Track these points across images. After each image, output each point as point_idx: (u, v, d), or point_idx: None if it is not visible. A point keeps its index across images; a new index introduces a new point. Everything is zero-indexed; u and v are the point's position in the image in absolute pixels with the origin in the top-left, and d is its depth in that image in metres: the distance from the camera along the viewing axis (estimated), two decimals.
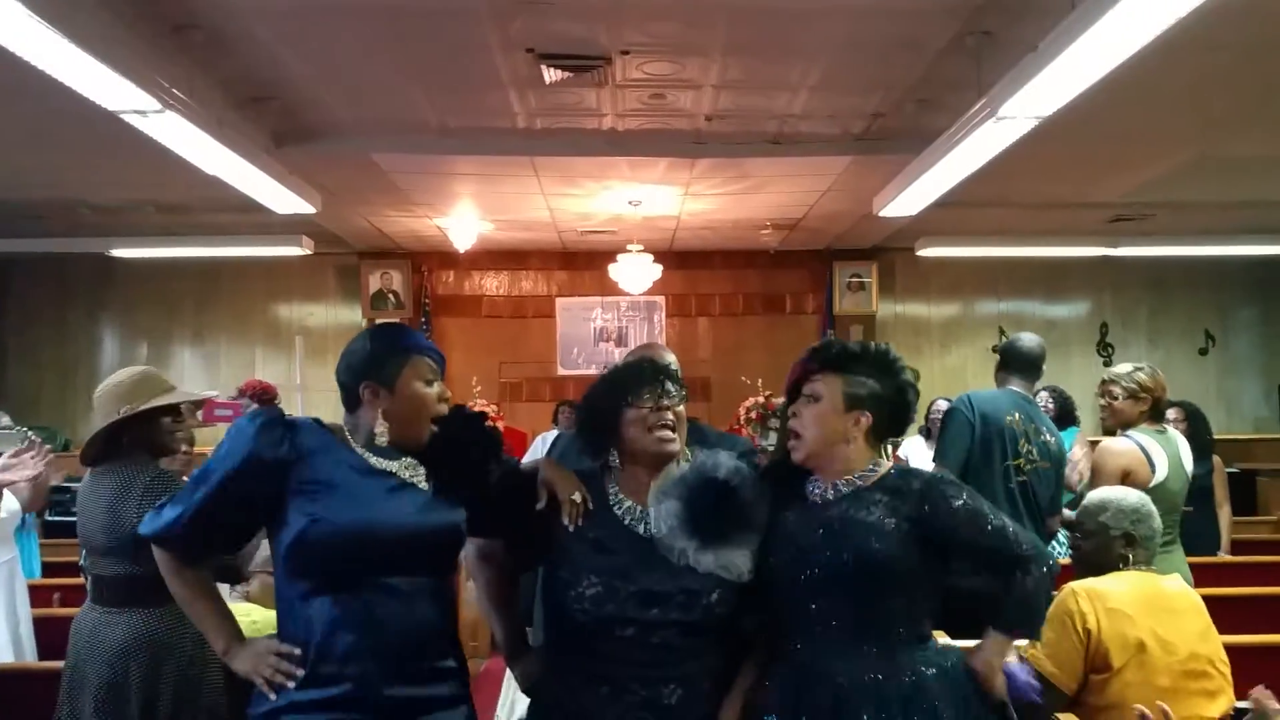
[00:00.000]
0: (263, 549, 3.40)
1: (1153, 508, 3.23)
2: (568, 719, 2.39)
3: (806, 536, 2.39)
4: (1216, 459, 6.36)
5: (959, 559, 2.41)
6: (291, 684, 2.19)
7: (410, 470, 2.36)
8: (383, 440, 2.33)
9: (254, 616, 3.56)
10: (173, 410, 3.34)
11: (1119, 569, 3.13)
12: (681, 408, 2.49)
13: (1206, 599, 3.24)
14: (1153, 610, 3.02)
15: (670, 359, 2.99)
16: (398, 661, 2.22)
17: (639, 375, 2.50)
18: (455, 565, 2.50)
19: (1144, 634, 2.95)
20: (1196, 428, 6.19)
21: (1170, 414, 7.48)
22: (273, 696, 2.21)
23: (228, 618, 2.38)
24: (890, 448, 8.12)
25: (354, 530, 2.21)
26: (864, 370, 2.48)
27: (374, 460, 2.33)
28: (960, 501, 2.38)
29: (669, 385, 2.47)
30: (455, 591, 2.48)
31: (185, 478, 5.17)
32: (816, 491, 2.47)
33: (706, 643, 2.38)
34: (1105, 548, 3.16)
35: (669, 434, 2.44)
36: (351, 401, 2.39)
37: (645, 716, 2.30)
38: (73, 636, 3.19)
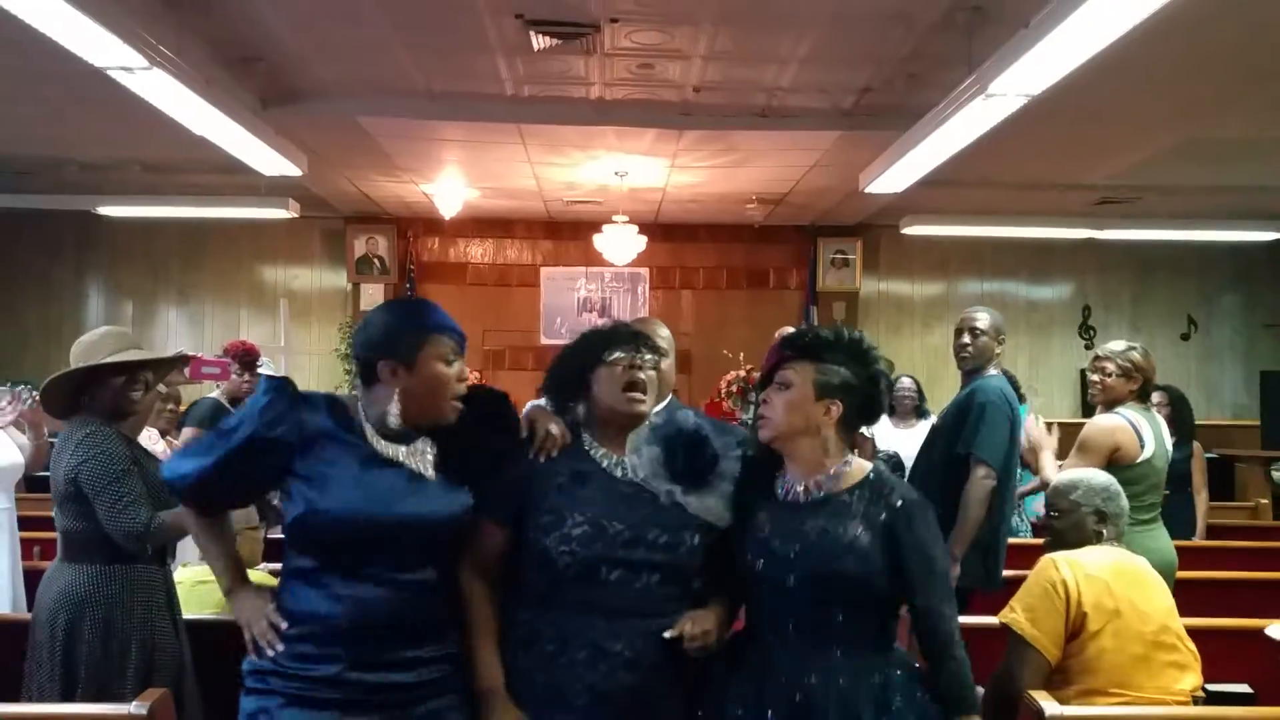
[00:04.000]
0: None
1: (1119, 487, 3.31)
2: (543, 693, 2.29)
3: (782, 545, 2.35)
4: (1196, 445, 6.42)
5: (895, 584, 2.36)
6: (270, 652, 2.20)
7: (418, 456, 2.32)
8: (395, 421, 2.28)
9: (204, 576, 3.58)
10: (126, 370, 3.25)
11: (1093, 544, 3.20)
12: (654, 372, 2.45)
13: (1183, 581, 3.29)
14: (1127, 581, 3.09)
15: (663, 332, 3.00)
16: (390, 649, 2.21)
17: (614, 335, 2.47)
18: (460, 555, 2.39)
19: (1120, 601, 3.01)
20: (1180, 412, 6.24)
21: (1154, 397, 7.56)
22: (253, 657, 2.23)
23: (234, 561, 2.40)
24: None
25: (352, 521, 2.19)
26: (837, 358, 2.43)
27: (381, 446, 2.29)
28: (925, 539, 2.34)
29: (643, 348, 2.44)
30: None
31: (170, 436, 5.24)
32: (790, 488, 2.43)
33: (684, 592, 2.38)
34: (1079, 525, 3.23)
35: (639, 394, 2.40)
36: (368, 376, 2.33)
37: (627, 678, 2.27)
38: (38, 588, 3.22)
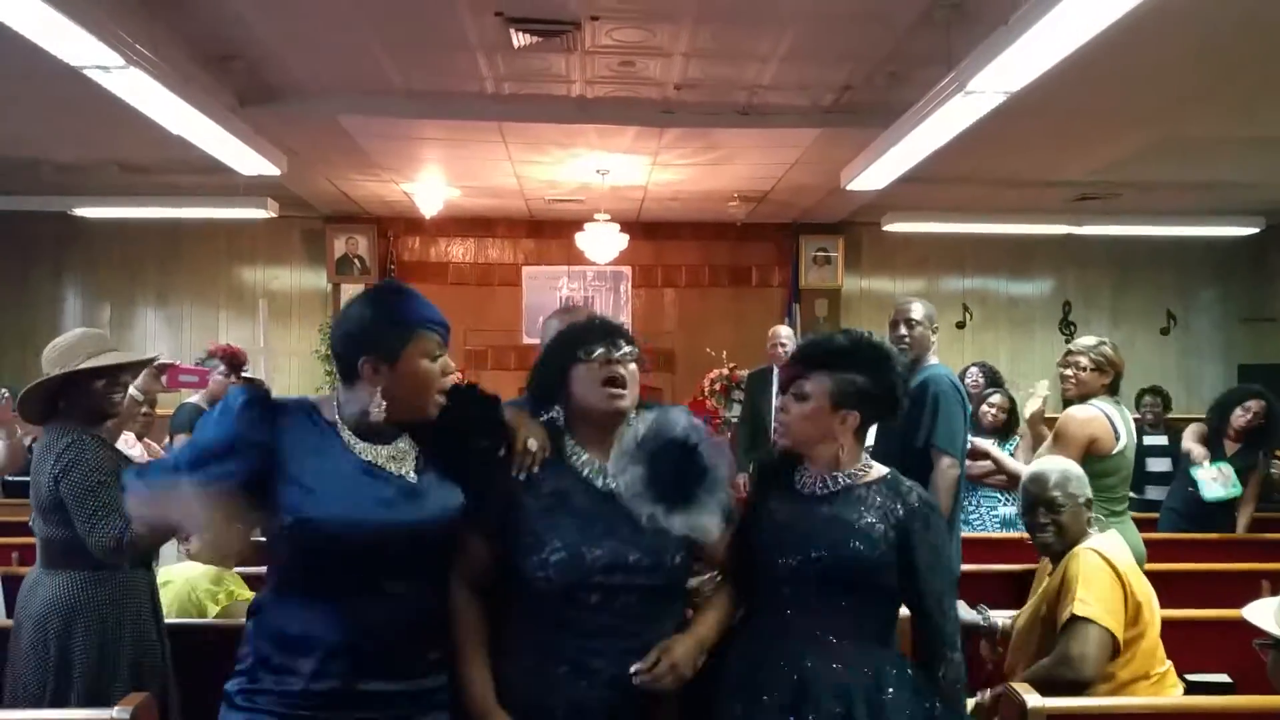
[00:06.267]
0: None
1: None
2: (524, 703, 2.25)
3: (794, 527, 2.38)
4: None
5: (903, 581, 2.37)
6: None
7: (399, 459, 2.24)
8: (378, 416, 2.19)
9: (168, 577, 3.55)
10: (106, 373, 3.21)
11: (1087, 534, 3.24)
12: (634, 367, 2.39)
13: (1158, 573, 3.35)
14: (1140, 572, 3.17)
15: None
16: (377, 662, 2.15)
17: (590, 331, 2.41)
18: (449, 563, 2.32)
19: (1146, 591, 3.10)
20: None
21: (1145, 399, 7.63)
22: (238, 680, 2.19)
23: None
24: None
25: (338, 530, 2.11)
26: (854, 367, 2.42)
27: (360, 449, 2.21)
28: (938, 541, 2.39)
29: (621, 341, 2.38)
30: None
31: (145, 440, 5.20)
32: (808, 482, 2.46)
33: (667, 609, 2.34)
34: (1078, 515, 3.29)
35: (619, 390, 2.34)
36: (348, 374, 2.23)
37: (607, 694, 2.22)
38: (18, 595, 3.19)
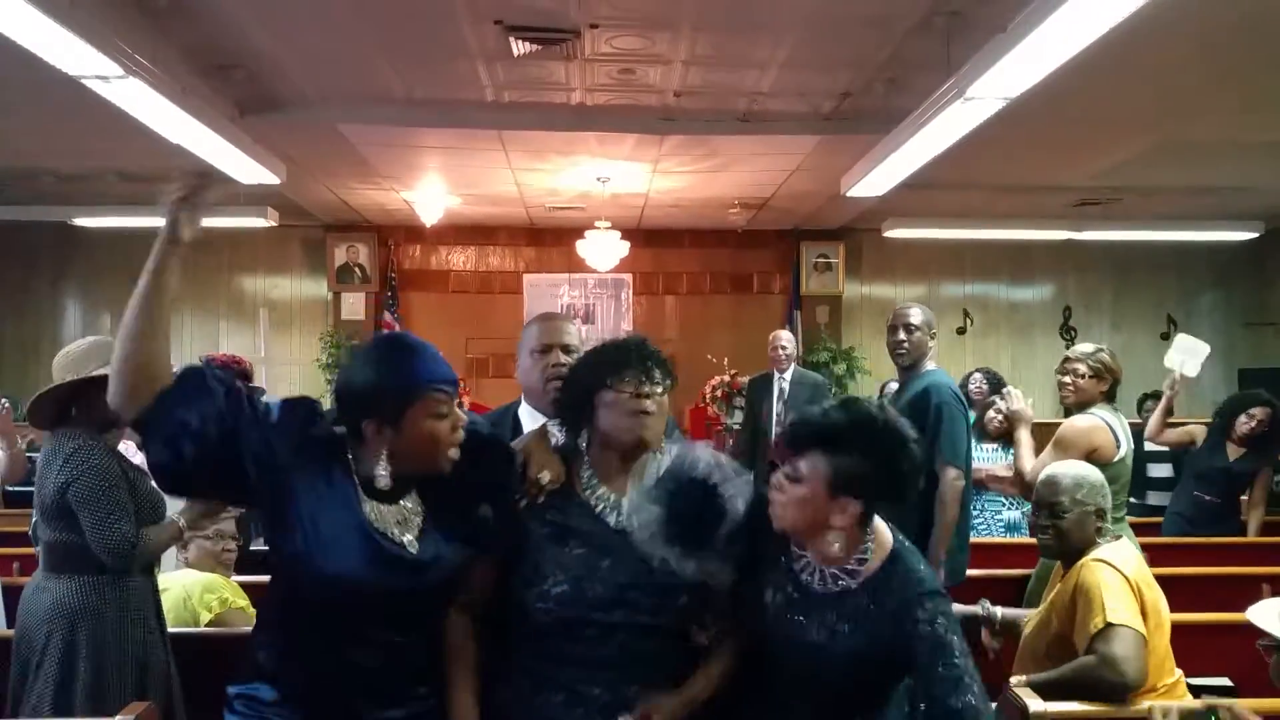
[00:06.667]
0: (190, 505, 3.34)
1: (1106, 481, 3.34)
2: None
3: (788, 631, 2.21)
4: None
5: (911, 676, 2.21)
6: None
7: (404, 523, 2.18)
8: (384, 484, 2.13)
9: (166, 585, 3.55)
10: None
11: (1095, 543, 3.21)
12: (665, 398, 2.29)
13: (1159, 578, 3.35)
14: (1148, 579, 3.14)
15: (570, 329, 2.89)
16: (372, 694, 2.14)
17: (623, 356, 2.28)
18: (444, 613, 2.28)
19: (1155, 598, 3.07)
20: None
21: (1148, 404, 7.58)
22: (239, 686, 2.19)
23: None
24: None
25: (333, 585, 2.08)
26: (856, 448, 2.13)
27: (369, 509, 2.15)
28: (933, 627, 2.12)
29: (655, 371, 2.26)
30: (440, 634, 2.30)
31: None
32: (803, 571, 2.25)
33: (668, 646, 2.26)
34: (1082, 523, 3.22)
35: (645, 421, 2.23)
36: (354, 433, 2.17)
37: None
38: (20, 602, 3.18)
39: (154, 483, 3.37)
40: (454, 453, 2.17)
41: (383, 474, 2.12)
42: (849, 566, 2.19)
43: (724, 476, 2.21)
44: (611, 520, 2.26)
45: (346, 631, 2.13)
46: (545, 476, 2.28)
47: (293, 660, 2.16)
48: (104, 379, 3.13)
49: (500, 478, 2.29)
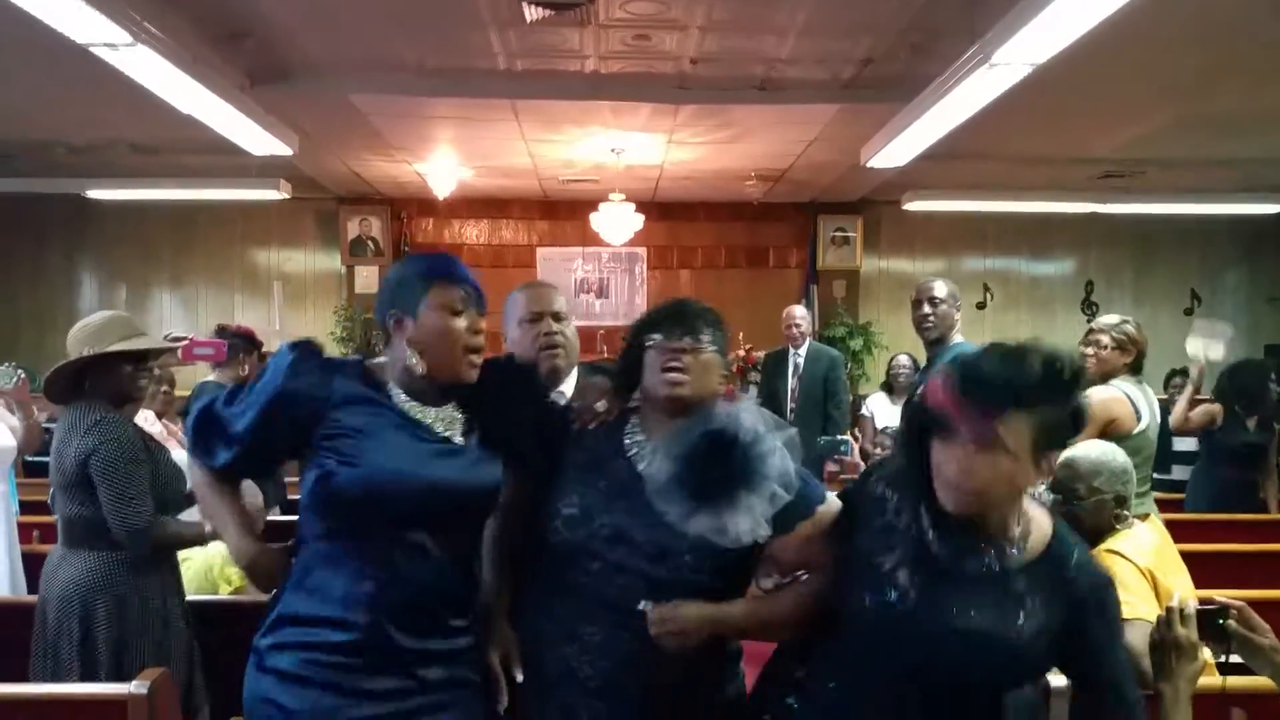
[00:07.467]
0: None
1: (1131, 465, 3.23)
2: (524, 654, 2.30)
3: (923, 622, 1.95)
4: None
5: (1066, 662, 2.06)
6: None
7: (447, 422, 2.24)
8: (419, 370, 2.19)
9: (188, 555, 3.57)
10: (136, 357, 3.24)
11: (1114, 529, 3.12)
12: (706, 356, 2.27)
13: (1184, 554, 3.28)
14: (1168, 567, 3.08)
15: (559, 297, 2.96)
16: (413, 616, 2.14)
17: (661, 314, 2.34)
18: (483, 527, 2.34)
19: (1172, 588, 2.98)
20: None
21: (1175, 380, 7.55)
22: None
23: (248, 524, 2.32)
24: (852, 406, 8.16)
25: (382, 482, 2.11)
26: (1048, 396, 1.88)
27: (410, 407, 2.22)
28: (1113, 624, 2.01)
29: (695, 328, 2.27)
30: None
31: (164, 420, 5.16)
32: (959, 550, 1.99)
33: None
34: (1099, 510, 3.12)
35: (677, 375, 2.24)
36: (386, 335, 2.27)
37: (600, 661, 2.19)
38: (42, 574, 3.21)
39: (174, 455, 3.38)
40: (475, 358, 2.24)
41: (415, 361, 2.20)
42: (1013, 543, 1.98)
43: (753, 435, 2.18)
44: (640, 466, 2.29)
45: (384, 537, 2.13)
46: (601, 404, 2.38)
47: (323, 588, 2.14)
48: (120, 355, 3.15)
49: (536, 401, 2.39)
